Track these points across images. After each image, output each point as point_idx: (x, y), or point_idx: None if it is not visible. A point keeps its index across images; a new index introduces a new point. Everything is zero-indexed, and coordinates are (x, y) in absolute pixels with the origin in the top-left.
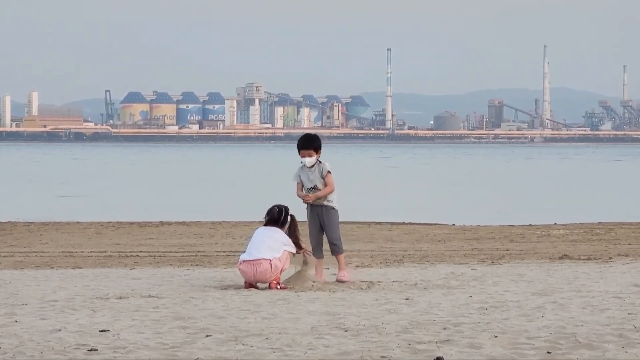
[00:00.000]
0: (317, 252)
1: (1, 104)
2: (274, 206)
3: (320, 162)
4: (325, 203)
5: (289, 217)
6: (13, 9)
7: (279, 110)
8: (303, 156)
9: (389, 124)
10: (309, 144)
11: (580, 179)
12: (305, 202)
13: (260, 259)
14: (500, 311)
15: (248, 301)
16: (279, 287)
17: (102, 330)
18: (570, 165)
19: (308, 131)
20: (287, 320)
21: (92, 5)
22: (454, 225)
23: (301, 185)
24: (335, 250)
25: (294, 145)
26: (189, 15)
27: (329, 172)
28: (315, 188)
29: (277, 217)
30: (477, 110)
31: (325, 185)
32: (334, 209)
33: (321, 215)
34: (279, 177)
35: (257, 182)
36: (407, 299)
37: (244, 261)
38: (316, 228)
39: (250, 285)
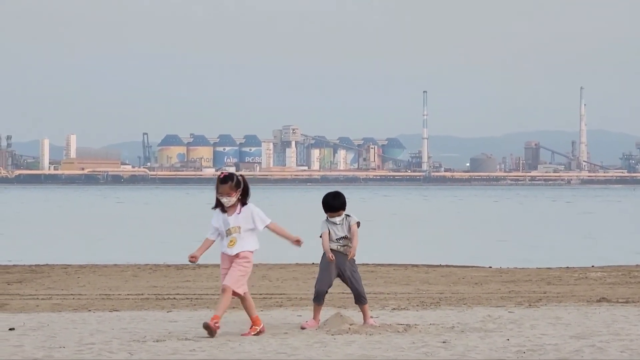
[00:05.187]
0: (321, 299)
1: (40, 147)
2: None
3: (348, 215)
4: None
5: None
6: (51, 54)
7: (315, 153)
8: (332, 217)
9: (425, 166)
10: (337, 206)
11: (617, 221)
12: (329, 259)
13: None
14: (537, 354)
15: (285, 344)
16: (253, 332)
17: None
18: (607, 206)
19: (344, 173)
20: None
21: (130, 49)
22: (490, 267)
23: (328, 235)
24: (363, 300)
25: (330, 188)
26: (225, 59)
27: (357, 222)
28: (345, 238)
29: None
30: (514, 152)
31: (352, 234)
32: (355, 261)
33: (344, 266)
34: (312, 218)
35: (292, 223)
36: (444, 342)
37: None
38: (334, 277)
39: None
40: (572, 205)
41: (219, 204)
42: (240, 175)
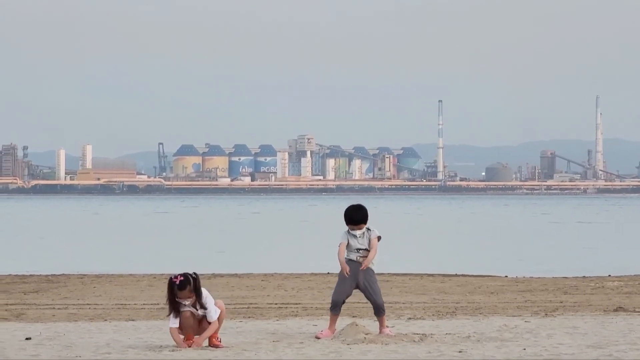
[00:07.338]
0: (338, 308)
1: (56, 157)
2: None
3: (368, 229)
4: (369, 265)
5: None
6: (66, 64)
7: (331, 162)
8: (353, 229)
9: (440, 176)
10: (359, 219)
11: (633, 230)
12: (346, 274)
13: None
14: None
15: (300, 354)
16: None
17: None
18: (623, 215)
19: (360, 183)
20: None
21: (145, 59)
22: (506, 277)
23: (346, 245)
24: (382, 312)
25: (345, 197)
26: (240, 68)
27: (378, 237)
28: (365, 250)
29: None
30: (529, 161)
31: (371, 246)
32: (374, 271)
33: (363, 277)
34: (327, 228)
35: (308, 234)
36: (460, 352)
37: None
38: (351, 287)
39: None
40: (598, 214)
41: (175, 309)
42: (194, 274)
